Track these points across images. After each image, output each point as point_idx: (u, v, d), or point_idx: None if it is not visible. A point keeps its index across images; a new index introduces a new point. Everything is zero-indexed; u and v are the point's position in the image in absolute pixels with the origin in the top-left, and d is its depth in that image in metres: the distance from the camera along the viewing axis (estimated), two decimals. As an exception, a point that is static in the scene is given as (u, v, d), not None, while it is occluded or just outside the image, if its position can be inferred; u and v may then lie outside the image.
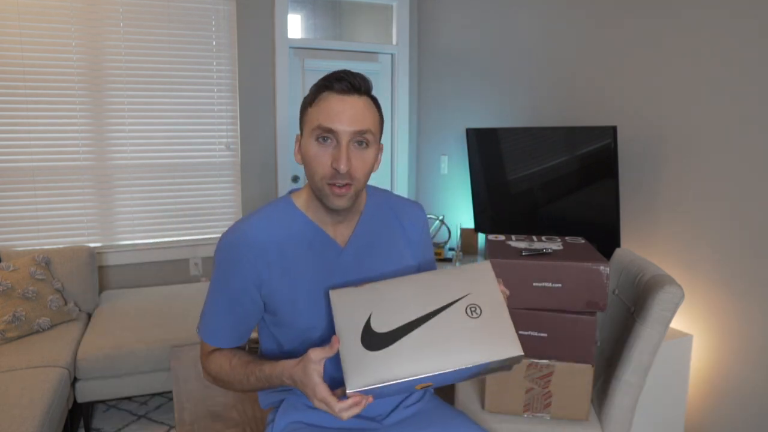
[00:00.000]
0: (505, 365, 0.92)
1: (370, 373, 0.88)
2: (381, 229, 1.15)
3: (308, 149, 1.00)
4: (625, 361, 1.42)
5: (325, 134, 0.98)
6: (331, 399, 0.90)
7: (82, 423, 2.39)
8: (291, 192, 1.14)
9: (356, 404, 0.89)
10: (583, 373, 1.43)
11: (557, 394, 1.46)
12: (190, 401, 1.66)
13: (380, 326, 0.93)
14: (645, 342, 1.39)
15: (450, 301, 0.94)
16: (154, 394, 2.67)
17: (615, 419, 1.45)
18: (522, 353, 0.89)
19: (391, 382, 0.87)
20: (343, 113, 0.97)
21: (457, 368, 0.88)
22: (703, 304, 1.86)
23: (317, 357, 0.92)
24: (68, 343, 2.33)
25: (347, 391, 0.88)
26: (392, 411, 1.17)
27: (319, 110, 0.99)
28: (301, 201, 1.11)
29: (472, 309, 0.93)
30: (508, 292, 1.00)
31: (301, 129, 1.04)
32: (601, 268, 1.36)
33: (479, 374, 0.95)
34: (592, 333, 1.40)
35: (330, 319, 1.09)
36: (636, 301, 1.50)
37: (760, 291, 1.69)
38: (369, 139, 1.00)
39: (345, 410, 0.89)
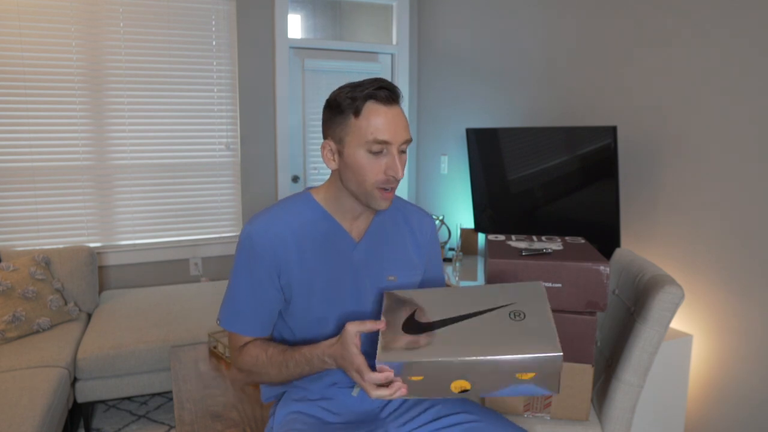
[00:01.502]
0: (548, 380, 0.89)
1: (401, 350, 0.92)
2: (392, 228, 1.21)
3: (358, 159, 1.04)
4: (625, 361, 1.42)
5: (381, 147, 1.03)
6: (365, 367, 0.93)
7: (82, 423, 2.39)
8: (309, 189, 1.19)
9: (387, 382, 0.92)
10: (583, 373, 1.43)
11: (557, 394, 1.46)
12: (190, 401, 1.66)
13: (422, 318, 0.98)
14: (645, 342, 1.39)
15: (495, 306, 0.97)
16: (154, 394, 2.67)
17: (615, 419, 1.45)
18: (560, 353, 0.87)
19: (419, 361, 0.89)
20: (394, 125, 1.03)
21: (489, 358, 0.87)
22: (703, 304, 1.86)
23: (354, 329, 0.96)
24: (68, 343, 2.33)
25: (376, 363, 0.91)
26: (387, 402, 1.22)
27: (369, 123, 1.02)
28: (320, 197, 1.16)
29: (516, 314, 0.95)
30: None
31: (339, 136, 1.06)
32: (601, 268, 1.36)
33: (520, 391, 0.91)
34: (592, 333, 1.40)
35: (344, 311, 1.15)
36: (636, 301, 1.50)
37: (760, 291, 1.69)
38: (408, 146, 1.10)
39: (374, 382, 0.92)
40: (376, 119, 1.02)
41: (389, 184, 1.06)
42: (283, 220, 1.11)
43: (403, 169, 1.06)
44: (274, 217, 1.11)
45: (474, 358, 0.88)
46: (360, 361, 0.95)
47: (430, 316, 0.98)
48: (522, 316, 0.95)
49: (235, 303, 1.13)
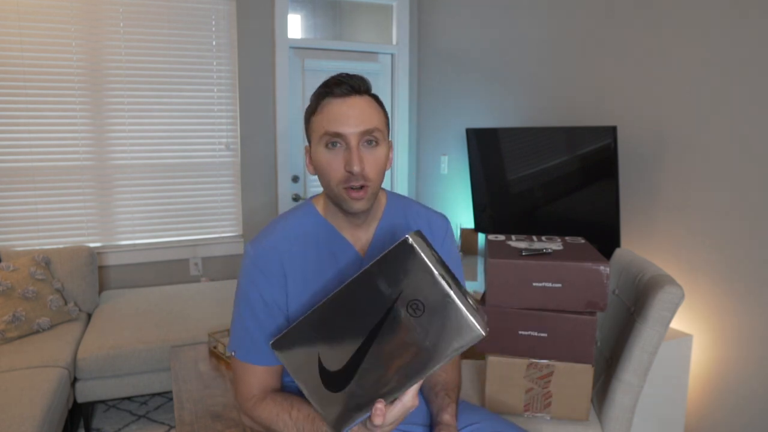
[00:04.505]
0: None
1: (348, 415, 0.87)
2: (400, 237, 1.12)
3: (319, 157, 1.00)
4: (625, 361, 1.42)
5: (334, 139, 0.97)
6: (409, 395, 0.86)
7: (82, 423, 2.39)
8: (312, 198, 1.14)
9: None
10: (583, 373, 1.43)
11: (557, 394, 1.46)
12: (190, 401, 1.66)
13: (332, 365, 0.87)
14: (645, 342, 1.39)
15: (387, 309, 0.82)
16: (154, 394, 2.67)
17: (615, 419, 1.45)
18: (482, 333, 0.79)
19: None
20: (348, 116, 0.96)
21: (425, 376, 0.83)
22: (703, 304, 1.86)
23: (382, 419, 0.86)
24: (68, 343, 2.33)
25: None
26: None
27: (323, 117, 0.98)
28: (320, 206, 1.10)
29: (414, 307, 0.81)
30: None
31: (309, 139, 1.04)
32: (601, 268, 1.35)
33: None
34: (592, 333, 1.40)
35: None
36: (636, 301, 1.50)
37: (760, 291, 1.69)
38: (378, 137, 0.99)
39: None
40: (328, 112, 0.97)
41: (352, 182, 0.97)
42: (285, 235, 1.06)
43: (373, 165, 0.98)
44: (277, 232, 1.06)
45: (411, 386, 0.83)
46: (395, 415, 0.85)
47: (336, 356, 0.86)
48: (421, 307, 0.81)
49: (245, 330, 1.06)
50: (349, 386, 0.87)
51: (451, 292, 0.80)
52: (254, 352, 1.06)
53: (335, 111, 0.97)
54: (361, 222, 1.07)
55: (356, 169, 0.95)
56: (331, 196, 1.02)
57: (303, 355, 0.88)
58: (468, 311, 0.80)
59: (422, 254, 0.80)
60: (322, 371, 0.88)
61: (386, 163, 1.02)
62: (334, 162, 0.98)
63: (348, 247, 1.08)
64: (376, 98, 1.03)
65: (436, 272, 0.80)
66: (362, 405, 0.86)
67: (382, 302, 0.82)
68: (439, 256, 0.83)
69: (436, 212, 1.20)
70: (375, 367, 0.85)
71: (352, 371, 0.86)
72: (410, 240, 0.80)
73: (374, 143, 0.99)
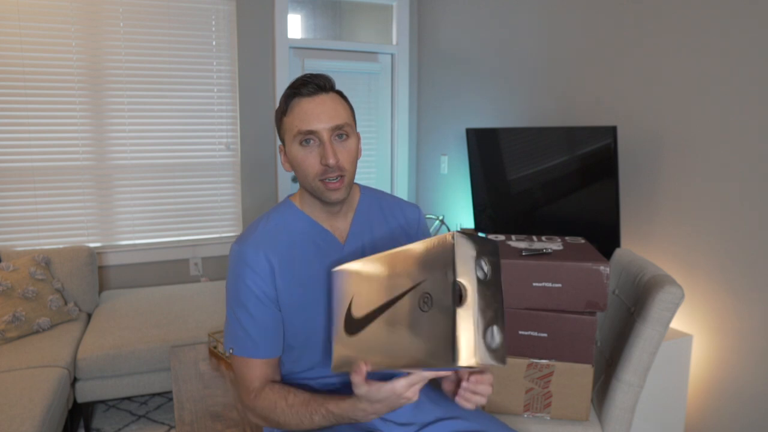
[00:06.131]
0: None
1: (348, 359, 0.95)
2: (377, 224, 1.19)
3: (295, 155, 1.06)
4: (625, 361, 1.42)
5: (307, 137, 1.03)
6: (403, 383, 0.87)
7: (82, 423, 2.39)
8: (289, 196, 1.19)
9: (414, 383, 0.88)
10: (583, 373, 1.43)
11: (557, 394, 1.46)
12: (190, 401, 1.66)
13: (357, 310, 0.96)
14: (645, 342, 1.39)
15: (408, 288, 0.86)
16: (154, 394, 2.67)
17: (615, 419, 1.45)
18: (459, 364, 0.74)
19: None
20: (318, 113, 1.02)
21: (409, 371, 0.86)
22: (703, 304, 1.86)
23: (361, 381, 0.89)
24: (68, 343, 2.33)
25: (332, 370, 0.98)
26: None
27: (294, 117, 1.04)
28: (298, 201, 1.16)
29: (425, 300, 0.83)
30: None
31: (282, 139, 1.10)
32: (601, 268, 1.35)
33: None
34: (592, 333, 1.40)
35: (326, 303, 1.13)
36: (636, 301, 1.50)
37: (760, 291, 1.69)
38: (347, 130, 1.05)
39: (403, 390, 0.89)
40: (299, 112, 1.03)
41: (328, 174, 1.03)
42: (268, 230, 1.11)
43: (347, 157, 1.04)
44: (260, 228, 1.11)
45: (392, 370, 0.88)
46: (400, 385, 0.88)
47: (362, 304, 0.95)
48: (429, 303, 0.82)
49: (239, 325, 1.09)
50: (361, 334, 0.93)
51: (455, 307, 0.75)
52: (251, 346, 1.09)
53: (305, 109, 1.03)
54: (338, 211, 1.14)
55: (332, 161, 1.01)
56: (309, 189, 1.08)
57: (345, 289, 0.98)
58: (463, 334, 0.74)
59: (456, 258, 0.78)
60: (348, 313, 0.97)
61: (357, 153, 1.09)
62: (309, 158, 1.04)
63: (328, 236, 1.13)
64: (340, 94, 1.09)
65: (458, 279, 0.77)
66: (364, 358, 0.91)
67: (405, 281, 0.87)
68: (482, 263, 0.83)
69: (408, 202, 1.27)
70: (381, 331, 0.90)
71: (366, 323, 0.93)
72: (452, 238, 0.80)
73: (345, 136, 1.05)
